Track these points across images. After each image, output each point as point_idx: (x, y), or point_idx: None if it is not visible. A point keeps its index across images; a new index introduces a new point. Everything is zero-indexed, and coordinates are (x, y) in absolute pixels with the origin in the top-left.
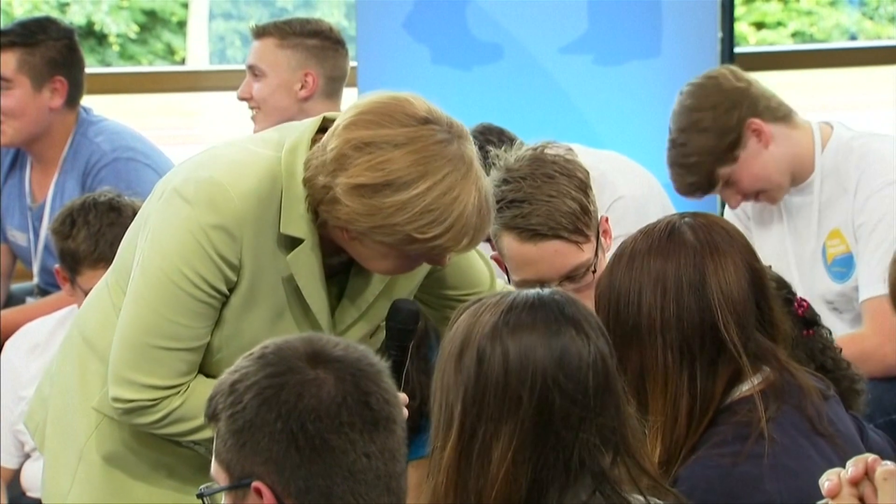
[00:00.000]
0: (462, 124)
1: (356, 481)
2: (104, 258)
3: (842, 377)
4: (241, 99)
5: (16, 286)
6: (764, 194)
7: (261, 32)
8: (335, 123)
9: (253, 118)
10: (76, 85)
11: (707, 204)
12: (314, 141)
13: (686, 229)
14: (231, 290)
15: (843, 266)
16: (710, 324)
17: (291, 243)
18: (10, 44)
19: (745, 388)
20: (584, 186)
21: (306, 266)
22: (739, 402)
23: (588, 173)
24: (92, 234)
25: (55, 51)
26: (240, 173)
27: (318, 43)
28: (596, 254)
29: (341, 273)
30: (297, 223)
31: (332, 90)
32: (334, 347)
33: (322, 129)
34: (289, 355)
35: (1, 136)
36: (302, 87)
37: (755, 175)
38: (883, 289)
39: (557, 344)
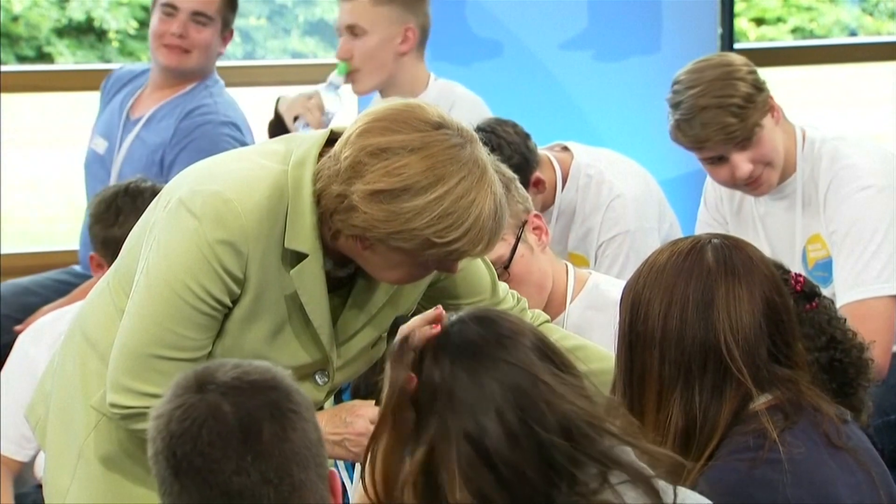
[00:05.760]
0: (471, 129)
1: (233, 500)
2: None
3: (851, 347)
4: (343, 59)
5: (28, 279)
6: (765, 173)
7: None
8: (346, 132)
9: (351, 79)
10: None
11: (692, 178)
12: (321, 154)
13: (708, 249)
14: (235, 302)
15: (824, 271)
16: (713, 347)
17: (296, 258)
18: None
19: (751, 406)
20: None
21: (310, 280)
22: (751, 416)
23: (510, 177)
24: None
25: None
26: (247, 188)
27: None
28: (514, 250)
29: (345, 286)
30: (302, 238)
31: (423, 42)
32: (222, 369)
33: (329, 141)
34: (180, 385)
35: None
36: (402, 41)
37: (772, 146)
38: (857, 294)
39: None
